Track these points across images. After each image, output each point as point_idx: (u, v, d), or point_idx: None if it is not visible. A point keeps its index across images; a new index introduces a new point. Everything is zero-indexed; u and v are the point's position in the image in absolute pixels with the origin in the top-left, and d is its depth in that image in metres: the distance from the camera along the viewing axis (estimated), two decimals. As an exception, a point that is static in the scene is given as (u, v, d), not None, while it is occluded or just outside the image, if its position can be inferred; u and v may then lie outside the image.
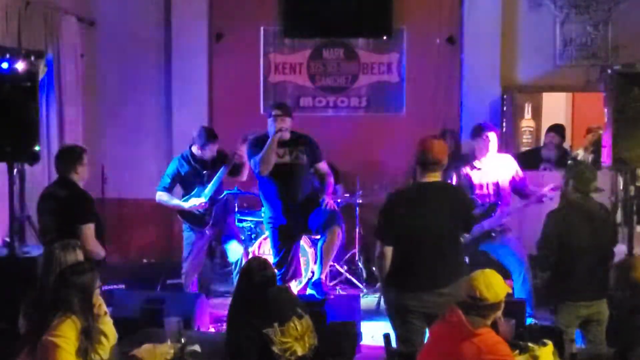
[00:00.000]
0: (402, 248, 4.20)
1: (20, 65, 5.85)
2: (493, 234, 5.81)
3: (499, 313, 3.40)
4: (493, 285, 3.34)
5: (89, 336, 3.55)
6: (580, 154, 7.31)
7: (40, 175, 6.77)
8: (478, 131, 5.88)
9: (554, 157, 7.22)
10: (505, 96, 7.71)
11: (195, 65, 8.02)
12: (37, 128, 5.92)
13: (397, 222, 4.20)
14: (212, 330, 5.79)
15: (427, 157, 4.23)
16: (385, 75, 8.10)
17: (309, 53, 8.14)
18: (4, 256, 5.75)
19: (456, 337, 3.31)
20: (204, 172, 6.23)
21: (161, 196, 6.31)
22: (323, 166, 5.90)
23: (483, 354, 3.23)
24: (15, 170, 5.96)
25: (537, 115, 9.07)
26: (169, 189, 6.31)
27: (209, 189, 6.20)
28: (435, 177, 4.27)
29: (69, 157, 5.13)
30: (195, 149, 6.25)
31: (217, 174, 6.19)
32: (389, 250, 4.19)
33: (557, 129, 7.57)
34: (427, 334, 4.29)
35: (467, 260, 5.84)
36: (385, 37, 8.02)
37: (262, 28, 8.13)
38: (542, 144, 7.73)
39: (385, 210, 4.30)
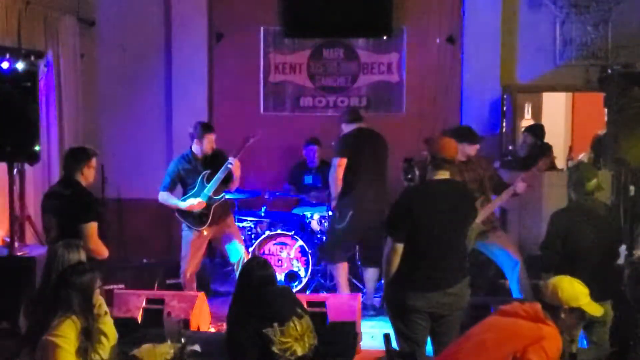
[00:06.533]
0: (412, 246, 4.19)
1: (20, 65, 5.87)
2: (485, 231, 5.83)
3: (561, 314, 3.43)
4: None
5: (89, 336, 3.56)
6: (584, 157, 7.35)
7: (40, 175, 6.78)
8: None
9: (524, 156, 7.41)
10: (505, 96, 7.70)
11: (195, 65, 8.01)
12: (37, 128, 5.93)
13: (411, 219, 4.19)
14: (212, 330, 5.80)
15: (443, 155, 4.26)
16: (385, 75, 8.09)
17: (309, 53, 8.14)
18: (4, 256, 5.76)
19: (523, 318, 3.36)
20: (204, 171, 6.26)
21: (162, 196, 6.36)
22: None
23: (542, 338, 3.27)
24: (15, 170, 5.97)
25: (537, 115, 9.07)
26: (169, 189, 6.35)
27: (208, 188, 6.22)
28: (445, 174, 4.29)
29: (78, 157, 5.13)
30: (195, 148, 6.28)
31: (217, 175, 6.21)
32: (400, 248, 4.19)
33: (530, 129, 7.76)
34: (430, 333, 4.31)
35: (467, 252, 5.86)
36: (385, 37, 8.01)
37: (262, 28, 8.13)
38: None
39: (399, 207, 4.30)
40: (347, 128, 6.58)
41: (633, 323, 3.80)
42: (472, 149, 5.94)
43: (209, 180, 6.24)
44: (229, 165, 6.18)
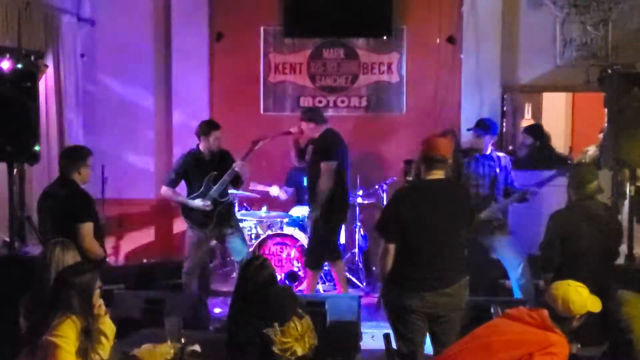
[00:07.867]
0: (406, 246, 4.19)
1: (20, 65, 5.86)
2: (493, 226, 5.83)
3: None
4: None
5: (89, 336, 3.55)
6: (591, 149, 7.36)
7: (40, 175, 6.78)
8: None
9: (523, 156, 7.45)
10: (505, 96, 7.71)
11: (195, 65, 8.02)
12: (37, 128, 5.93)
13: (402, 219, 4.19)
14: (212, 330, 5.79)
15: (434, 155, 4.26)
16: (385, 75, 8.10)
17: (309, 53, 8.14)
18: (4, 256, 5.76)
19: (530, 325, 3.38)
20: (211, 172, 6.23)
21: (166, 191, 6.37)
22: None
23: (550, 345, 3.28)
24: (15, 170, 5.97)
25: (537, 115, 9.08)
26: (173, 184, 6.35)
27: (214, 190, 6.20)
28: (439, 174, 4.29)
29: (74, 156, 5.13)
30: (202, 146, 6.26)
31: (223, 177, 6.19)
32: (391, 248, 4.19)
33: (528, 130, 7.85)
34: (429, 335, 4.31)
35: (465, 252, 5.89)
36: (385, 37, 8.01)
37: (262, 28, 8.14)
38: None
39: (390, 207, 4.30)
40: (318, 130, 6.30)
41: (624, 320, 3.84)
42: (473, 140, 5.96)
43: (215, 182, 6.22)
44: (236, 169, 6.16)
